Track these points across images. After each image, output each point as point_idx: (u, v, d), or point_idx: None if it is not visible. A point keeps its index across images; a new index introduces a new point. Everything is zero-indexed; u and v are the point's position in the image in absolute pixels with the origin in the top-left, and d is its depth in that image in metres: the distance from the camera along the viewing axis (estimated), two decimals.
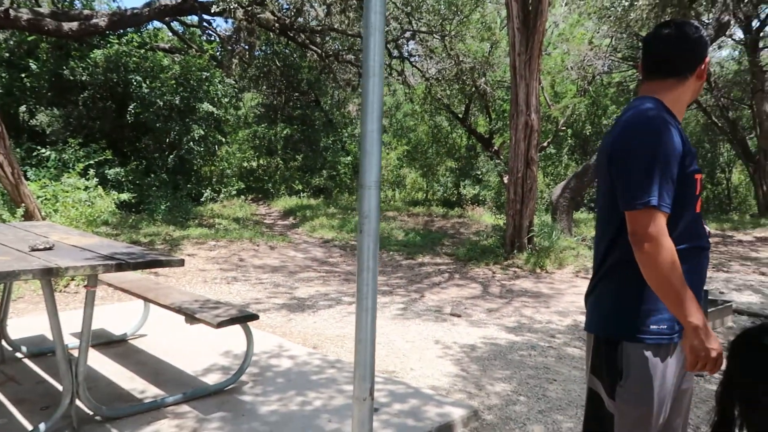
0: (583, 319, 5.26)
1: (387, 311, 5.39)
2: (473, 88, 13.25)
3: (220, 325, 2.96)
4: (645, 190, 1.60)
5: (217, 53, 14.37)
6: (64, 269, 2.58)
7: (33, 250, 2.94)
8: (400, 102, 17.43)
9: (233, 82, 13.86)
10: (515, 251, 7.92)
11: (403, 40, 13.99)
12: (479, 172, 14.61)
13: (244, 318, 3.14)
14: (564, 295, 6.29)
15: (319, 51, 13.93)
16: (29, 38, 12.70)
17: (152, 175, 11.30)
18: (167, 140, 11.92)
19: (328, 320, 4.99)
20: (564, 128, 13.39)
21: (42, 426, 2.72)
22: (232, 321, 3.06)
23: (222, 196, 12.92)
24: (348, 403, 3.16)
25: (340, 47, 14.88)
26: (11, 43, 13.17)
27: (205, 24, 14.16)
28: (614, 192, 1.71)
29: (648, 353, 1.69)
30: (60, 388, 3.28)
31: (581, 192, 10.62)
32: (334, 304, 5.57)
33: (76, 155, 9.64)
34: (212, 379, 3.48)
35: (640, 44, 11.65)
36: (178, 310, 3.21)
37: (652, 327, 1.69)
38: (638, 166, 1.63)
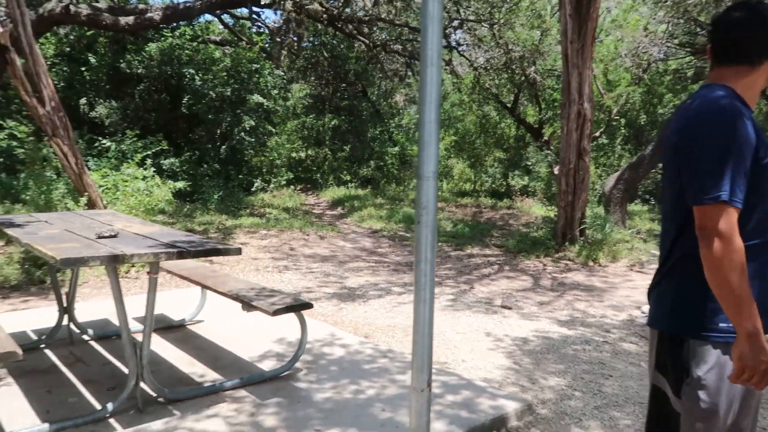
0: (638, 314, 5.13)
1: (437, 302, 5.38)
2: (522, 77, 13.00)
3: (275, 313, 3.02)
4: (715, 183, 1.53)
5: (267, 45, 14.56)
6: (129, 256, 2.67)
7: (99, 237, 3.07)
8: (447, 92, 17.27)
9: (282, 74, 14.03)
10: (567, 243, 7.77)
11: (450, 29, 13.84)
12: (528, 163, 14.37)
13: (298, 306, 3.19)
14: (618, 289, 6.14)
15: (367, 41, 13.94)
16: (88, 33, 13.17)
17: (205, 166, 11.59)
18: (219, 131, 12.19)
19: (378, 310, 5.02)
20: (617, 117, 13.00)
21: (110, 406, 2.84)
22: (287, 309, 3.11)
23: (272, 186, 13.14)
24: (401, 392, 3.18)
25: (388, 37, 14.85)
26: (71, 38, 13.69)
27: (254, 16, 14.38)
28: (680, 184, 1.64)
29: (716, 351, 1.63)
30: (124, 370, 3.43)
31: (636, 183, 10.31)
32: (383, 294, 5.60)
33: (134, 146, 9.97)
34: (267, 366, 3.56)
35: (698, 30, 11.18)
36: (236, 298, 3.29)
37: (721, 325, 1.63)
38: (708, 158, 1.55)
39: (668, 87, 14.18)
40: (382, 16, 13.37)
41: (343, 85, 17.03)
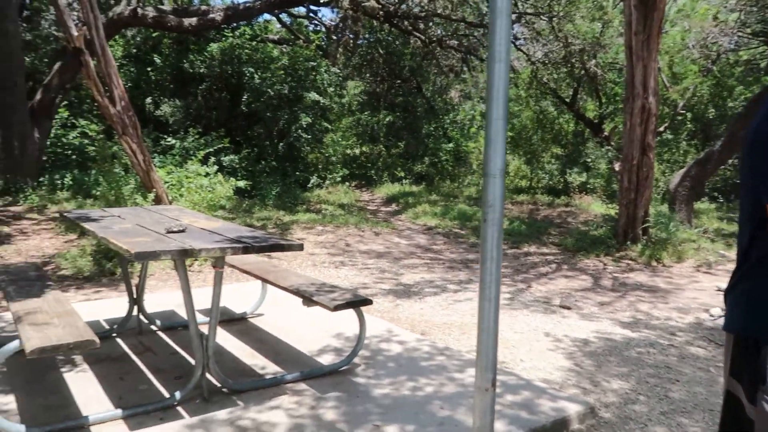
0: (705, 317, 4.92)
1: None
2: (582, 71, 12.65)
3: (336, 308, 3.06)
4: None
5: (323, 43, 14.72)
6: (197, 251, 2.76)
7: (169, 232, 3.18)
8: None
9: (338, 71, 14.17)
10: (628, 243, 7.52)
11: None
12: (588, 159, 13.99)
13: (358, 303, 3.22)
14: (684, 290, 5.90)
15: (423, 37, 13.90)
16: (154, 34, 13.68)
17: (263, 162, 11.85)
18: (276, 128, 12.43)
19: (434, 307, 5.01)
20: (683, 111, 12.47)
21: (177, 394, 2.95)
22: (347, 305, 3.15)
23: (327, 182, 13.31)
24: (459, 391, 3.17)
25: (444, 33, 14.76)
26: (138, 39, 14.25)
27: (311, 14, 14.60)
28: (754, 182, 1.56)
29: None
30: (190, 360, 3.55)
31: (703, 180, 9.86)
32: (439, 291, 5.58)
33: (197, 144, 10.30)
34: (326, 360, 3.61)
35: None
36: (296, 293, 3.35)
37: None
38: None
39: (739, 79, 13.50)
40: (438, 12, 13.30)
41: (398, 81, 17.06)
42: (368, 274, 6.21)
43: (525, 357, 3.86)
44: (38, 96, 10.46)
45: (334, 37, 13.66)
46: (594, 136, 13.56)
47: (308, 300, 3.22)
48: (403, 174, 15.22)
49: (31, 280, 3.48)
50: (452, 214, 9.99)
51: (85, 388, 3.13)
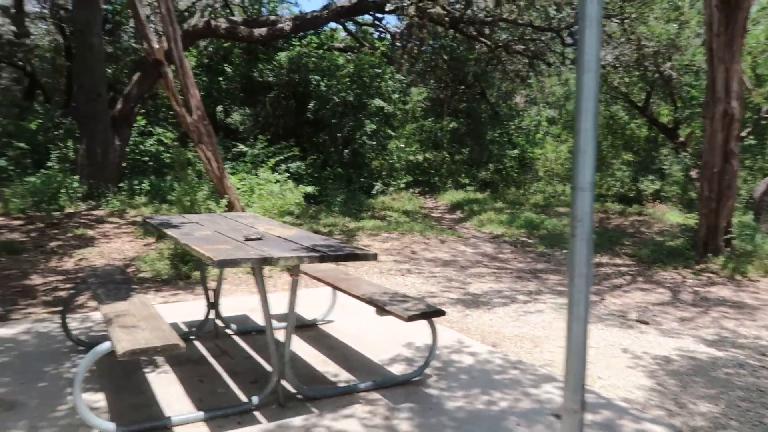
0: None
1: (566, 312, 5.15)
2: (656, 74, 12.15)
3: (410, 319, 3.05)
4: None
5: (388, 50, 14.81)
6: (275, 259, 2.81)
7: (247, 239, 3.26)
8: (572, 92, 16.59)
9: (402, 78, 14.22)
10: (709, 255, 7.14)
11: (577, 27, 13.28)
12: (662, 166, 13.41)
13: (431, 313, 3.19)
14: None
15: (488, 42, 13.76)
16: (225, 45, 14.17)
17: (328, 169, 12.02)
18: (341, 135, 12.59)
19: (504, 318, 4.91)
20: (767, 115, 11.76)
21: (255, 399, 3.01)
22: (421, 316, 3.12)
23: (391, 189, 13.35)
24: (535, 407, 3.08)
25: (510, 37, 14.55)
26: (210, 50, 14.80)
27: (377, 22, 14.71)
28: None
29: None
30: (264, 364, 3.62)
31: None
32: (508, 302, 5.47)
33: (266, 151, 10.55)
34: (397, 369, 3.60)
35: None
36: (369, 302, 3.35)
37: None
38: None
39: None
40: (504, 17, 13.13)
41: (462, 87, 16.92)
42: (435, 283, 6.17)
43: (603, 374, 3.71)
44: (119, 105, 11.01)
45: (399, 44, 13.71)
46: (669, 141, 12.99)
47: (381, 309, 3.22)
48: (467, 181, 15.07)
49: (117, 283, 3.65)
50: (519, 222, 9.80)
51: (167, 388, 3.24)
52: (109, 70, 12.51)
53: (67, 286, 5.53)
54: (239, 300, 5.14)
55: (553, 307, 5.28)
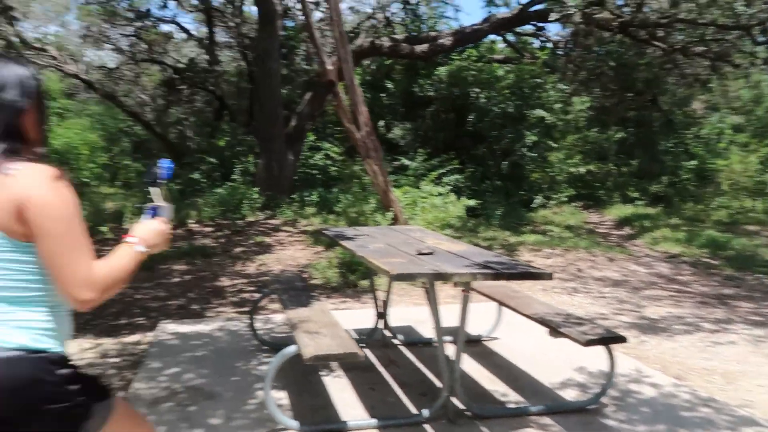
0: None
1: (764, 346, 4.56)
2: None
3: (588, 343, 2.89)
4: None
5: (550, 59, 14.36)
6: (450, 275, 2.83)
7: (419, 254, 3.33)
8: (762, 95, 14.78)
9: (565, 87, 13.69)
10: None
11: None
12: None
13: (611, 339, 3.01)
14: None
15: (663, 45, 12.73)
16: (386, 62, 14.73)
17: (487, 182, 11.93)
18: (500, 147, 12.44)
19: (688, 348, 4.46)
20: None
21: (425, 412, 3.05)
22: (600, 341, 2.95)
23: (552, 202, 12.88)
24: None
25: (687, 39, 13.33)
26: (373, 68, 15.48)
27: (538, 32, 14.34)
28: None
29: None
30: (431, 377, 3.66)
31: None
32: (692, 330, 4.96)
33: (427, 164, 10.76)
34: (569, 395, 3.43)
35: None
36: (542, 322, 3.24)
37: None
38: None
39: None
40: (681, 17, 12.06)
41: (630, 94, 15.81)
42: (605, 304, 5.80)
43: None
44: (292, 123, 11.94)
45: (561, 53, 13.22)
46: None
47: (555, 331, 3.10)
48: (636, 194, 14.05)
49: (298, 289, 3.92)
50: (700, 240, 8.90)
51: (342, 393, 3.41)
52: (284, 91, 13.60)
53: (250, 288, 6.07)
54: (404, 311, 5.26)
55: (748, 339, 4.69)
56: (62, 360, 1.44)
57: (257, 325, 4.58)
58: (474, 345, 4.33)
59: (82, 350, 4.13)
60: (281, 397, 3.34)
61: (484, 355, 4.11)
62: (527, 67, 12.67)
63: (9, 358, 1.35)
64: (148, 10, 15.75)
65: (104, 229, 9.05)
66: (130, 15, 15.45)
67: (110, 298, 1.49)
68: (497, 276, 2.87)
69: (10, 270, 1.38)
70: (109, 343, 4.32)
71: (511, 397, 3.39)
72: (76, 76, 16.17)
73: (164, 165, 1.72)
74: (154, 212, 1.67)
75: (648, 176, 14.52)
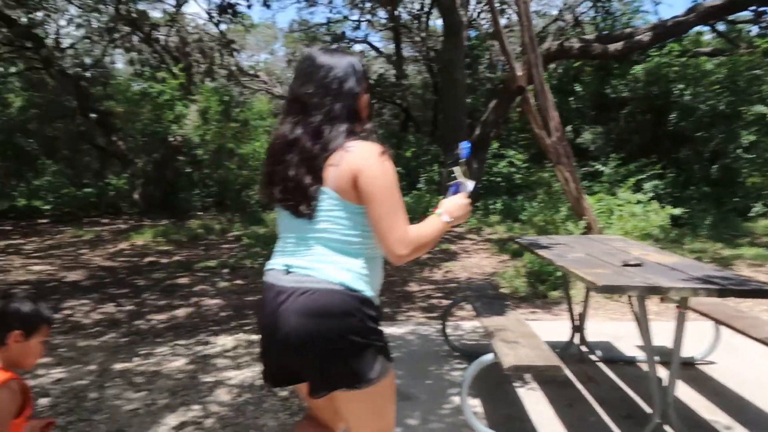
0: None
1: None
2: None
3: None
4: None
5: None
6: (665, 289, 2.59)
7: (625, 265, 3.10)
8: None
9: None
10: None
11: None
12: None
13: None
14: None
15: None
16: (574, 65, 14.08)
17: (692, 188, 10.77)
18: (708, 149, 11.15)
19: None
20: None
21: None
22: None
23: None
24: None
25: None
26: (559, 71, 14.90)
27: (757, 18, 12.61)
28: None
29: None
30: (636, 398, 3.39)
31: None
32: None
33: (624, 170, 10.05)
34: None
35: None
36: None
37: None
38: None
39: None
40: None
41: None
42: None
43: None
44: (477, 131, 11.97)
45: None
46: None
47: None
48: None
49: (490, 297, 3.90)
50: None
51: (536, 406, 3.31)
52: (468, 100, 13.72)
53: (438, 294, 6.19)
54: (601, 325, 4.95)
55: None
56: (371, 303, 1.72)
57: (448, 331, 4.65)
58: (685, 368, 3.92)
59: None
60: (475, 404, 3.34)
61: (699, 380, 3.69)
62: (743, 58, 11.20)
63: (332, 290, 1.66)
64: (344, 33, 17.01)
65: None
66: (328, 38, 16.80)
67: (417, 257, 1.83)
68: (722, 292, 2.55)
69: (340, 225, 1.70)
70: None
71: (736, 430, 3.00)
72: (282, 97, 18.04)
73: (464, 146, 1.95)
74: (456, 188, 1.90)
75: None
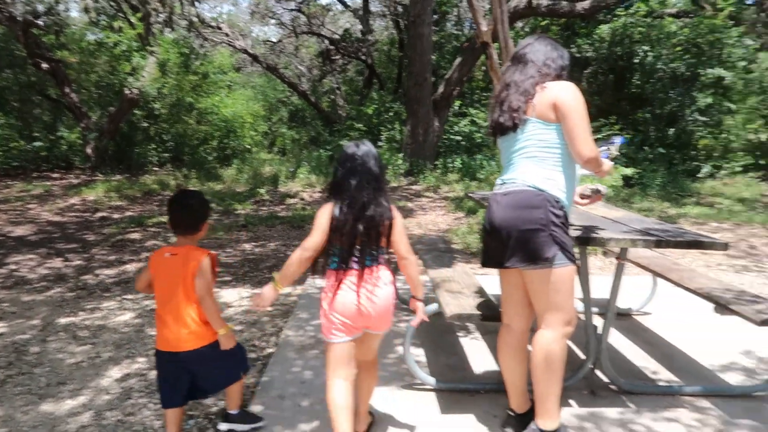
0: None
1: None
2: None
3: (764, 323, 2.56)
4: None
5: (736, 9, 12.68)
6: (605, 240, 2.63)
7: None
8: None
9: (752, 42, 12.04)
10: None
11: None
12: None
13: None
14: None
15: None
16: (542, 23, 13.99)
17: (646, 149, 10.98)
18: (666, 111, 11.33)
19: None
20: None
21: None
22: None
23: (723, 172, 11.55)
24: None
25: None
26: (527, 30, 14.80)
27: None
28: None
29: None
30: (574, 347, 3.51)
31: None
32: None
33: None
34: (731, 379, 3.10)
35: None
36: (708, 297, 2.93)
37: None
38: None
39: None
40: None
41: None
42: None
43: None
44: (440, 89, 11.88)
45: (749, 1, 11.59)
46: None
47: (723, 308, 2.79)
48: None
49: (441, 251, 3.94)
50: None
51: (477, 355, 3.39)
52: (433, 57, 13.56)
53: (392, 250, 6.22)
54: None
55: None
56: (559, 205, 2.23)
57: (398, 284, 4.69)
58: (623, 319, 4.07)
59: (241, 298, 4.55)
60: (419, 354, 3.41)
61: (634, 330, 3.84)
62: (707, 20, 11.28)
63: (527, 190, 2.24)
64: None
65: (262, 191, 9.80)
66: None
67: (598, 171, 2.32)
68: (659, 243, 2.61)
69: (540, 141, 2.25)
70: None
71: (663, 376, 3.14)
72: (244, 51, 17.50)
73: (621, 140, 2.94)
74: (606, 156, 2.66)
75: None
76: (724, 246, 2.56)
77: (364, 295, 2.16)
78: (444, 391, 2.93)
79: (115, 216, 8.02)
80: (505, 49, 6.32)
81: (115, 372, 3.17)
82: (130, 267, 5.47)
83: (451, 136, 12.82)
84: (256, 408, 2.73)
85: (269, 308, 4.28)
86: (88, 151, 12.59)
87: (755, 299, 2.85)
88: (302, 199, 9.45)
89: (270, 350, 3.48)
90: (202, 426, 2.61)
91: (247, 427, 2.52)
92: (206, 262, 2.31)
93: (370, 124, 13.66)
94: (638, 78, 11.21)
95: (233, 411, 2.51)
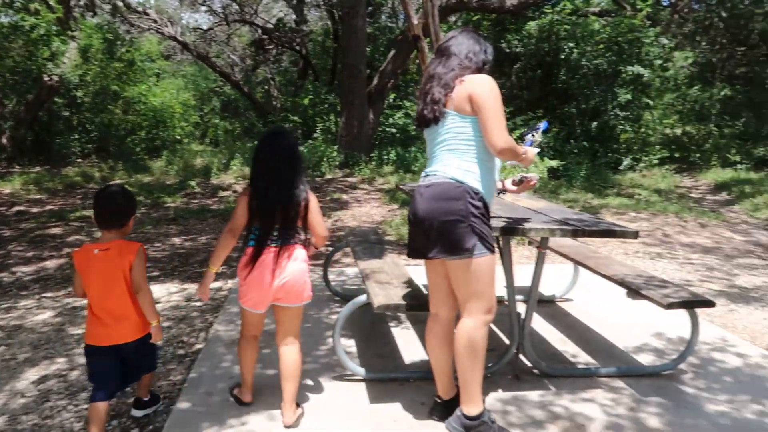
0: None
1: None
2: None
3: (670, 306, 2.75)
4: None
5: (653, 10, 13.36)
6: (526, 230, 2.74)
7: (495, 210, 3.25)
8: None
9: (667, 41, 12.73)
10: None
11: None
12: None
13: (697, 303, 2.84)
14: None
15: None
16: (474, 18, 14.25)
17: (572, 142, 11.44)
18: (590, 106, 11.84)
19: None
20: None
21: (490, 366, 3.04)
22: (683, 304, 2.79)
23: (642, 165, 12.20)
24: None
25: None
26: (458, 24, 15.03)
27: None
28: None
29: None
30: (500, 333, 3.64)
31: None
32: None
33: (511, 123, 10.44)
34: (644, 359, 3.30)
35: None
36: (621, 283, 3.11)
37: None
38: None
39: None
40: None
41: (742, 48, 14.53)
42: (692, 270, 5.49)
43: None
44: (375, 81, 11.91)
45: (666, 2, 12.26)
46: None
47: (634, 292, 2.97)
48: (737, 158, 13.01)
49: (372, 243, 3.98)
50: None
51: (407, 344, 3.46)
52: (367, 49, 13.56)
53: (326, 243, 6.23)
54: None
55: None
56: (479, 196, 2.29)
57: (331, 277, 4.71)
58: (546, 305, 4.25)
59: (169, 294, 4.43)
60: (350, 345, 3.44)
61: (556, 316, 4.02)
62: (627, 20, 11.85)
63: (447, 182, 2.29)
64: None
65: (193, 183, 9.55)
66: None
67: (519, 159, 2.45)
68: (576, 232, 2.75)
69: (458, 134, 2.30)
70: (193, 288, 4.60)
71: (582, 359, 3.31)
72: (173, 38, 16.88)
73: (543, 126, 2.90)
74: (530, 144, 2.71)
75: (753, 138, 13.38)
76: (635, 234, 2.73)
77: (276, 272, 2.37)
78: (374, 381, 2.97)
79: (34, 210, 7.61)
80: (435, 43, 6.43)
81: (32, 374, 3.03)
82: (50, 263, 5.22)
83: (386, 129, 12.89)
84: (183, 405, 2.68)
85: (199, 303, 4.19)
86: (4, 141, 11.85)
87: (663, 284, 3.05)
88: (235, 191, 9.27)
89: (199, 346, 3.42)
90: (126, 426, 2.55)
91: (158, 404, 2.69)
92: (142, 252, 2.37)
93: (305, 116, 13.53)
94: (564, 74, 11.66)
95: (146, 398, 2.63)
